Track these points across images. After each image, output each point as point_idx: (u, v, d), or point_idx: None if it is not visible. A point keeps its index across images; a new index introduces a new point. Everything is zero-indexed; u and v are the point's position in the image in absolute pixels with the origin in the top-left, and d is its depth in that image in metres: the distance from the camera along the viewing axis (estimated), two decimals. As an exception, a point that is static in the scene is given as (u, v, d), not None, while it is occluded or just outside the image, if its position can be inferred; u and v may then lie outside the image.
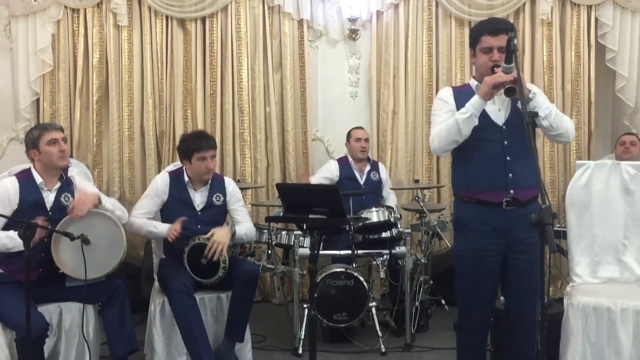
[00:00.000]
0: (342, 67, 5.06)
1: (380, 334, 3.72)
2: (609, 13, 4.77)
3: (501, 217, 2.51)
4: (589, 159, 4.80)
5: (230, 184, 3.48)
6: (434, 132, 2.55)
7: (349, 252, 3.82)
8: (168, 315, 3.15)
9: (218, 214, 3.40)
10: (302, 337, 3.69)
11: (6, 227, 2.83)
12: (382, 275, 3.86)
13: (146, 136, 4.77)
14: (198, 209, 3.34)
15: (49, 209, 2.93)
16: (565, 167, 4.92)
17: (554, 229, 2.19)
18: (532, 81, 4.70)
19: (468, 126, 2.44)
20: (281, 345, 3.80)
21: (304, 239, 3.84)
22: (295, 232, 3.84)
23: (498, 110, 2.54)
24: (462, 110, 2.44)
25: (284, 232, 4.07)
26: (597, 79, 4.88)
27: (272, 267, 4.02)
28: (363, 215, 3.78)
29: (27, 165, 3.03)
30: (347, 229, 3.80)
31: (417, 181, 4.46)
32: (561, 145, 4.83)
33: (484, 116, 2.48)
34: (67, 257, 2.86)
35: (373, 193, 4.48)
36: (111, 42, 4.68)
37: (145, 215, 3.31)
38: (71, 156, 4.29)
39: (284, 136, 4.93)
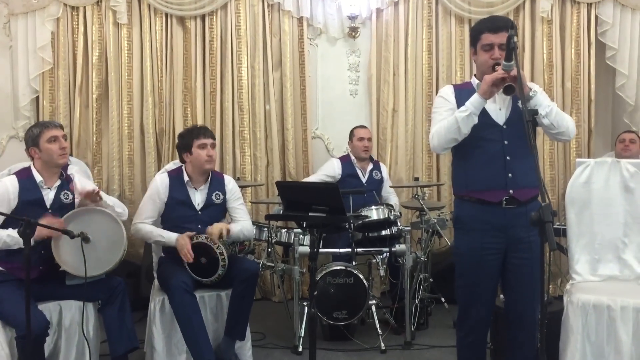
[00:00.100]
0: (342, 65, 5.05)
1: (380, 331, 3.72)
2: (609, 10, 4.77)
3: (501, 216, 2.50)
4: (588, 156, 4.80)
5: (229, 182, 3.48)
6: (434, 130, 2.55)
7: (349, 250, 3.82)
8: (168, 313, 3.15)
9: (218, 212, 3.39)
10: (302, 335, 3.69)
11: (6, 226, 2.83)
12: (382, 273, 3.85)
13: (146, 134, 4.76)
14: (198, 208, 3.33)
15: (48, 207, 2.93)
16: (565, 165, 4.92)
17: (554, 226, 2.18)
18: (532, 79, 4.70)
19: (467, 124, 2.43)
20: (281, 343, 3.80)
21: (304, 237, 3.84)
22: (295, 230, 3.84)
23: (499, 110, 2.53)
24: (462, 108, 2.44)
25: (283, 230, 4.07)
26: (597, 77, 4.88)
27: (272, 265, 4.02)
28: (363, 213, 3.78)
29: (27, 163, 3.03)
30: (347, 226, 3.80)
31: (417, 179, 4.46)
32: (561, 143, 4.82)
33: (484, 115, 2.47)
34: (68, 255, 2.87)
35: (375, 191, 4.46)
36: (111, 40, 4.68)
37: (149, 220, 3.31)
38: (71, 154, 4.28)
39: (284, 134, 4.92)
